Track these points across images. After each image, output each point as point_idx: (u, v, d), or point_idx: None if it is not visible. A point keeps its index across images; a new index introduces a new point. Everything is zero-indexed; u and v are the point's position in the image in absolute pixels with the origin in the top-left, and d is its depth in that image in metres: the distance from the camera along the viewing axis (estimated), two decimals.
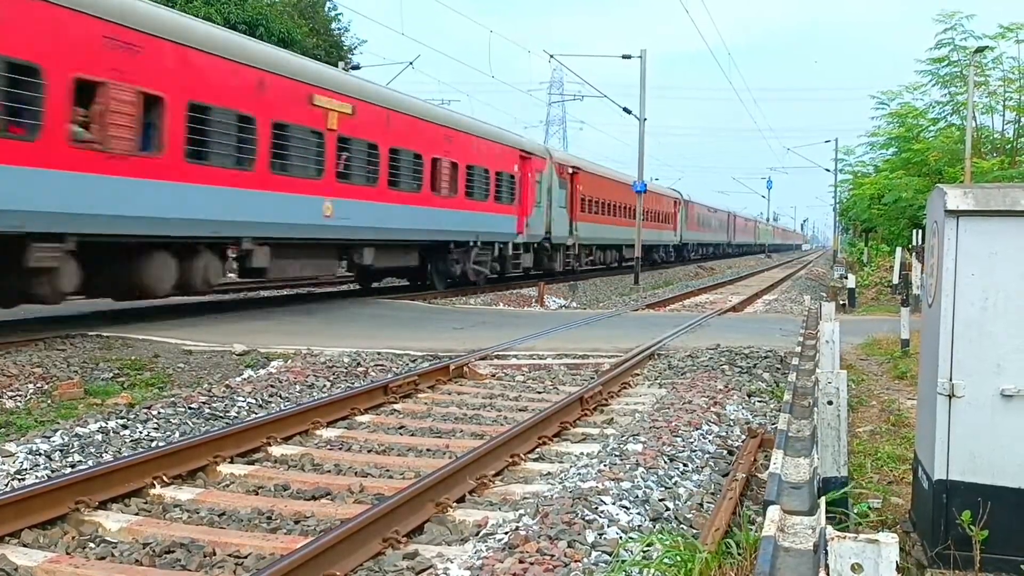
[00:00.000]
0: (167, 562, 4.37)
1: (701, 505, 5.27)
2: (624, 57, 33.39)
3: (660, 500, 5.17)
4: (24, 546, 4.50)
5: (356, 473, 6.02)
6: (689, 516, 5.05)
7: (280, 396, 8.27)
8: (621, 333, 13.15)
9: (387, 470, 6.13)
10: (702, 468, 6.00)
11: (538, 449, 6.70)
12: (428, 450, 6.66)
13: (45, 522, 4.75)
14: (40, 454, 5.88)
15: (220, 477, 5.89)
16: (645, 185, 34.55)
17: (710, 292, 28.55)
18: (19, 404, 7.62)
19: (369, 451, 6.69)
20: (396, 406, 8.23)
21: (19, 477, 5.50)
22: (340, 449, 6.71)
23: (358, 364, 9.95)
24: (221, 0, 27.97)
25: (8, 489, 5.13)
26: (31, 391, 8.01)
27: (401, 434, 7.21)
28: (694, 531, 4.72)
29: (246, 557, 4.42)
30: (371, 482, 5.73)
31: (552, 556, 4.12)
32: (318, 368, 9.50)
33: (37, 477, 5.49)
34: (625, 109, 33.97)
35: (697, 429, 6.83)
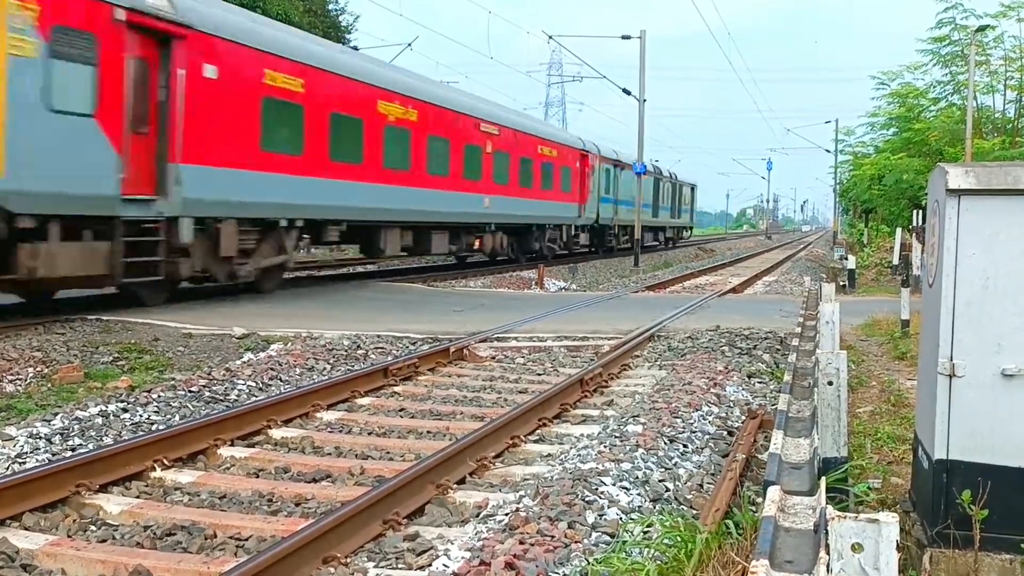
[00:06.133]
0: (168, 545, 4.38)
1: (701, 486, 5.28)
2: (624, 38, 33.20)
3: (660, 481, 5.18)
4: (25, 529, 4.50)
5: (356, 455, 6.03)
6: (689, 497, 5.05)
7: (280, 379, 8.27)
8: (621, 315, 13.14)
9: (387, 452, 6.13)
10: (702, 449, 6.01)
11: (538, 431, 6.70)
12: (428, 432, 6.67)
13: (46, 505, 4.76)
14: (40, 438, 5.88)
15: (220, 460, 5.89)
16: (645, 167, 34.46)
17: (710, 274, 28.54)
18: (19, 388, 7.62)
19: (369, 433, 6.69)
20: (396, 388, 8.23)
21: (20, 461, 5.50)
22: (340, 432, 6.72)
23: (358, 347, 9.95)
24: None
25: (9, 473, 5.13)
26: (31, 375, 8.01)
27: (401, 416, 7.21)
28: (694, 512, 4.72)
29: (247, 539, 4.43)
30: (371, 464, 5.74)
31: (552, 537, 4.13)
32: (318, 351, 9.50)
33: (38, 461, 5.49)
34: (625, 90, 33.80)
35: (697, 410, 6.84)
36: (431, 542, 4.34)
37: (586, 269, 27.77)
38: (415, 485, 4.95)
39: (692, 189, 53.45)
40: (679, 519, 4.12)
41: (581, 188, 30.56)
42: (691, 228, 56.90)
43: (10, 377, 7.82)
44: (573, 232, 30.22)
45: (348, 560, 4.15)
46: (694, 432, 6.30)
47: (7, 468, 5.35)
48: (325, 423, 6.95)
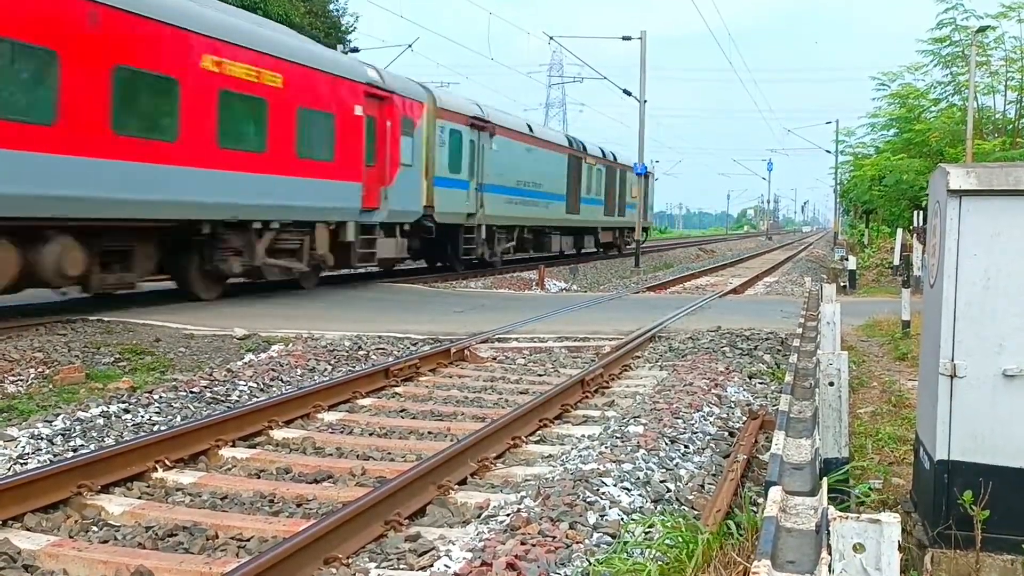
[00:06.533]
0: (170, 545, 4.38)
1: (702, 487, 5.28)
2: (624, 39, 33.24)
3: (661, 482, 5.18)
4: (27, 530, 4.50)
5: (358, 456, 6.03)
6: (690, 497, 5.05)
7: (281, 380, 8.27)
8: (622, 315, 13.15)
9: (389, 453, 6.14)
10: (703, 450, 6.01)
11: (539, 431, 6.70)
12: (429, 433, 6.67)
13: (48, 506, 4.76)
14: (42, 438, 5.89)
15: (222, 461, 5.90)
16: (646, 168, 34.46)
17: (711, 274, 28.56)
18: (20, 389, 7.62)
19: (371, 434, 6.69)
20: (397, 389, 8.24)
21: (21, 462, 5.50)
22: (342, 432, 6.72)
23: (359, 348, 9.95)
24: None
25: (11, 473, 5.13)
26: (32, 376, 8.01)
27: (402, 417, 7.21)
28: (695, 512, 4.73)
29: (248, 540, 4.43)
30: (373, 465, 5.74)
31: (554, 538, 4.13)
32: (319, 352, 9.50)
33: (39, 461, 5.49)
34: (625, 91, 33.83)
35: (698, 411, 6.84)
36: (432, 543, 4.34)
37: (587, 270, 27.78)
38: (416, 486, 4.95)
39: (644, 177, 37.68)
40: (680, 520, 4.13)
41: (378, 157, 17.09)
42: (646, 230, 39.61)
43: (12, 378, 7.82)
44: (358, 235, 16.76)
45: (350, 561, 4.16)
46: (695, 433, 6.30)
47: (9, 469, 5.35)
48: (326, 424, 6.95)
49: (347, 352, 9.67)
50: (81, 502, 4.88)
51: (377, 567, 4.12)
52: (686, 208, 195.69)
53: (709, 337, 10.76)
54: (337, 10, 39.17)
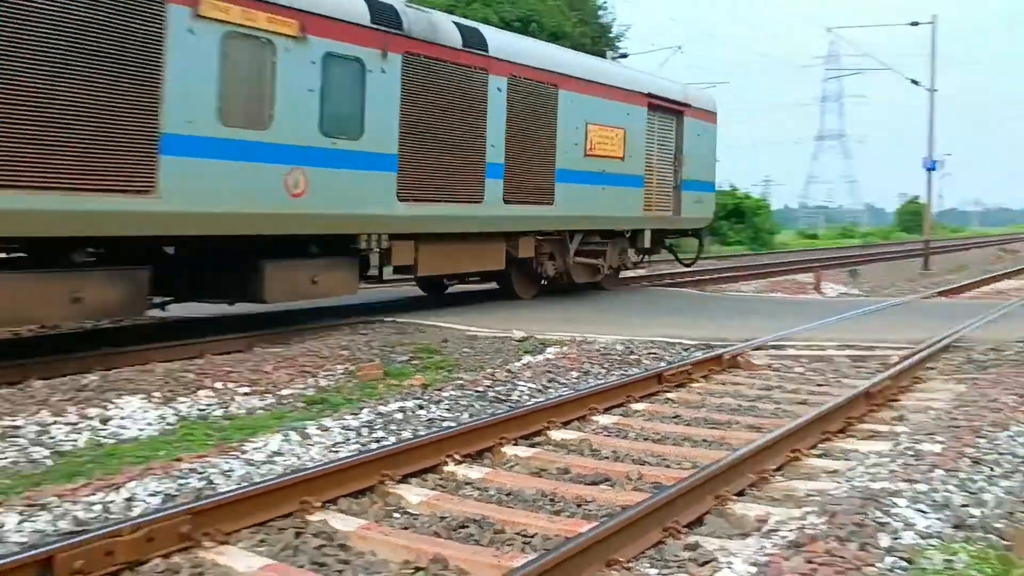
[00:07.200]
0: (462, 536, 4.68)
1: (1011, 514, 4.81)
2: (912, 24, 30.87)
3: (962, 506, 4.78)
4: (341, 512, 5.01)
5: (633, 460, 6.11)
6: (998, 526, 4.62)
7: (557, 382, 8.56)
8: (910, 322, 12.24)
9: (663, 459, 6.16)
10: (1012, 473, 5.47)
11: (820, 445, 6.42)
12: (704, 440, 6.62)
13: (356, 492, 5.26)
14: (351, 429, 6.53)
15: (505, 458, 6.21)
16: (935, 163, 31.76)
17: (1014, 278, 25.70)
18: (331, 383, 8.47)
19: (645, 439, 6.74)
20: (670, 395, 8.23)
21: (334, 450, 6.14)
22: (617, 436, 6.83)
23: (631, 352, 10.06)
24: (498, 1, 29.43)
25: (327, 461, 5.73)
26: (340, 372, 8.87)
27: (676, 423, 7.20)
28: (1006, 543, 4.32)
29: (532, 536, 4.64)
30: (648, 470, 5.80)
31: (843, 558, 3.95)
32: (592, 355, 9.72)
33: (348, 451, 6.10)
34: (913, 80, 31.42)
35: (1005, 430, 6.23)
36: (712, 553, 4.31)
37: (868, 273, 26.07)
38: (694, 494, 4.93)
39: (677, 116, 17.31)
40: (989, 549, 3.80)
41: None
42: (697, 236, 19.93)
43: (323, 373, 8.72)
44: None
45: (631, 565, 4.23)
46: (1002, 454, 5.74)
47: (324, 456, 5.98)
48: (602, 426, 7.10)
49: (619, 356, 9.81)
50: (384, 490, 5.35)
51: (659, 573, 4.16)
52: (983, 205, 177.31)
53: (1017, 348, 9.73)
54: (604, 15, 39.67)
